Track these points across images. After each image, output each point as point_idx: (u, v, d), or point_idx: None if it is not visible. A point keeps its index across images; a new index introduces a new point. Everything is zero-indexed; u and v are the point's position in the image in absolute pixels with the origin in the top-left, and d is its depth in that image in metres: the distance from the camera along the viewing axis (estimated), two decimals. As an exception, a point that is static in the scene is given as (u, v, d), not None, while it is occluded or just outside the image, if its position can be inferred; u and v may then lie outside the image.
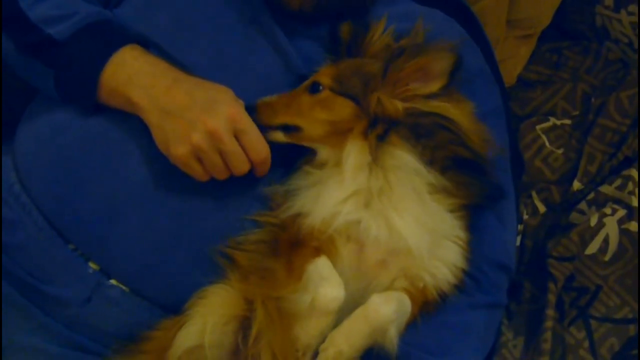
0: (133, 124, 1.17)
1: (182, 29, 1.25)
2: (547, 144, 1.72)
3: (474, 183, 1.15)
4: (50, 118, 1.25)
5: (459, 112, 1.13)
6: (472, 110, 1.17)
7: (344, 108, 1.13)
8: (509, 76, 1.80)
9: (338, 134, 1.14)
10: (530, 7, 1.78)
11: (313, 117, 1.15)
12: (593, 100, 1.76)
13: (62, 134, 1.22)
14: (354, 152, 1.11)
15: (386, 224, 1.08)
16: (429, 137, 1.10)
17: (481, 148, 1.15)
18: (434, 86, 1.12)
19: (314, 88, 1.16)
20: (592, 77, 1.81)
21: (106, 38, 1.20)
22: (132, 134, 1.18)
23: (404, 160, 1.09)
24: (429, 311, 1.15)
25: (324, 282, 1.04)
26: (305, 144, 1.17)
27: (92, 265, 1.18)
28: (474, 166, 1.15)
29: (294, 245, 1.11)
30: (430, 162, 1.10)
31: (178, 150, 1.10)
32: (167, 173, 1.15)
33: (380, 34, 1.21)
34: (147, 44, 1.23)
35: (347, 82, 1.14)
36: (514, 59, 1.84)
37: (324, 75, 1.17)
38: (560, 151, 1.71)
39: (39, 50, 1.21)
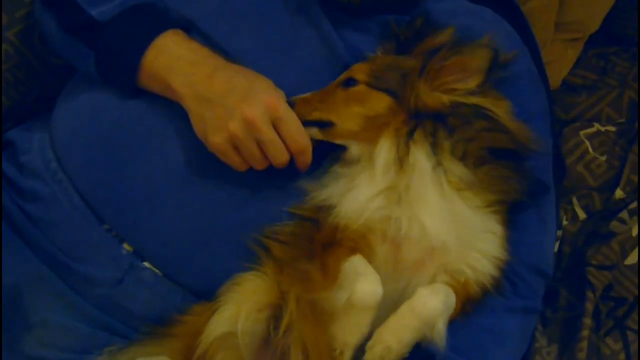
0: (173, 108, 1.16)
1: (228, 15, 1.24)
2: (590, 149, 1.70)
3: (512, 177, 1.13)
4: (90, 97, 1.24)
5: (498, 109, 1.12)
6: (510, 109, 1.15)
7: (380, 102, 1.12)
8: (554, 79, 1.78)
9: (372, 130, 1.12)
10: (580, 10, 1.77)
11: (347, 112, 1.13)
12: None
13: (102, 115, 1.22)
14: (386, 149, 1.09)
15: (416, 220, 1.06)
16: (465, 127, 1.09)
17: (523, 139, 1.13)
18: (472, 83, 1.11)
19: (348, 83, 1.14)
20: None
21: (148, 22, 1.20)
22: (173, 119, 1.18)
23: (421, 160, 1.07)
24: (467, 311, 1.13)
25: (361, 278, 1.01)
26: (338, 140, 1.14)
27: (126, 247, 1.17)
28: (513, 157, 1.13)
29: (328, 247, 1.09)
30: (463, 157, 1.08)
31: (215, 139, 1.09)
32: (205, 160, 1.14)
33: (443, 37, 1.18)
34: (190, 29, 1.22)
35: (384, 77, 1.13)
36: (560, 62, 1.82)
37: (359, 71, 1.15)
38: (603, 158, 1.69)
39: (81, 31, 1.21)
